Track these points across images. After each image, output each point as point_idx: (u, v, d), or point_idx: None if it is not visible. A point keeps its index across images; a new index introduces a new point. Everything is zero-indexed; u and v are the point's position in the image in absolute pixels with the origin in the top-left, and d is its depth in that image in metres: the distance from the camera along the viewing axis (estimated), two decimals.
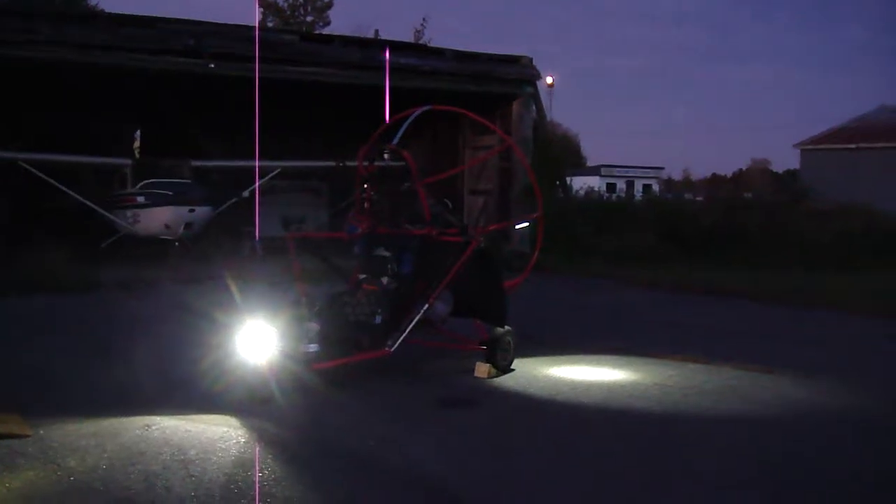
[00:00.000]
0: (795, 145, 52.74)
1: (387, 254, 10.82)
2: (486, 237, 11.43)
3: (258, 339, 9.25)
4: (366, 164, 11.66)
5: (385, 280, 10.67)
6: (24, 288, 17.14)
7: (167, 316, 14.21)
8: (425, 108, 12.12)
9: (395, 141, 11.81)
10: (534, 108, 27.40)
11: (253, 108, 14.46)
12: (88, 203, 22.67)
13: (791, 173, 64.29)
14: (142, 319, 14.17)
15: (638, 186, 66.84)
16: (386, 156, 11.78)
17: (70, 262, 19.17)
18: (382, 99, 21.19)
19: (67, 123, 25.10)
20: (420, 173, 11.76)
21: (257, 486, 6.81)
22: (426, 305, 10.39)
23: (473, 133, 27.23)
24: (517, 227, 15.92)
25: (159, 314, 14.60)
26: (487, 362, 10.80)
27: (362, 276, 10.87)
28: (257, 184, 19.17)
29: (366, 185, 11.43)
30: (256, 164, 18.47)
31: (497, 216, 25.24)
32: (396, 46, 26.30)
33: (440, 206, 11.62)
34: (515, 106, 26.54)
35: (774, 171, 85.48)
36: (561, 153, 36.71)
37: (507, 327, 11.11)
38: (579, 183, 42.61)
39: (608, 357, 12.08)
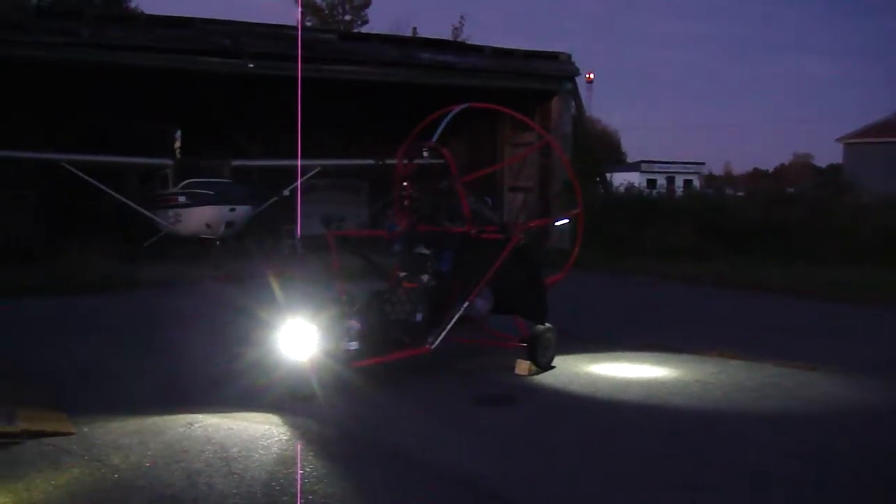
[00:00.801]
0: (838, 139, 52.20)
1: (427, 251, 10.82)
2: (526, 234, 11.37)
3: (299, 337, 9.30)
4: (405, 162, 11.67)
5: (425, 278, 10.66)
6: (68, 287, 17.33)
7: (209, 314, 14.30)
8: (464, 105, 12.12)
9: (435, 139, 11.81)
10: (573, 104, 27.31)
11: (292, 107, 14.49)
12: (130, 203, 22.88)
13: (834, 168, 63.57)
14: (184, 317, 14.25)
15: (679, 182, 66.36)
16: (425, 154, 11.77)
17: (112, 262, 19.36)
18: (421, 97, 21.30)
19: (109, 124, 25.35)
20: (459, 171, 11.75)
21: (299, 483, 6.84)
22: (466, 303, 10.38)
23: (513, 130, 27.20)
24: (557, 223, 15.84)
25: (201, 312, 14.68)
26: (528, 359, 10.78)
27: (402, 274, 10.88)
28: (299, 182, 19.20)
29: (405, 184, 11.43)
30: (299, 162, 18.49)
31: (537, 213, 25.15)
32: (434, 44, 26.35)
33: (480, 203, 11.60)
34: (554, 102, 26.48)
35: (817, 165, 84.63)
36: (600, 149, 36.56)
37: (547, 324, 11.09)
38: (619, 179, 42.39)
39: (648, 354, 12.01)
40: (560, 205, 23.68)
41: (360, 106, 27.14)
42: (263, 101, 24.45)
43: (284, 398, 9.17)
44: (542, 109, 26.39)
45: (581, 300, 16.53)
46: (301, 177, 22.52)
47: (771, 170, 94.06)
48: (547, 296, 11.39)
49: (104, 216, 23.54)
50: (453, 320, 10.23)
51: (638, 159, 74.73)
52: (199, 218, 22.14)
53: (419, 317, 10.33)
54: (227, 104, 26.32)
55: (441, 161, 11.63)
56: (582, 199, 13.21)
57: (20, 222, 22.45)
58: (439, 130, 11.85)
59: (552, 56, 27.05)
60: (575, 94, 27.40)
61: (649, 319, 15.63)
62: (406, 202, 11.46)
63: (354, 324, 9.84)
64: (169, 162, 23.87)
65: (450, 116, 11.97)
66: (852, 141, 50.96)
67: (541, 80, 26.49)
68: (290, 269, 13.62)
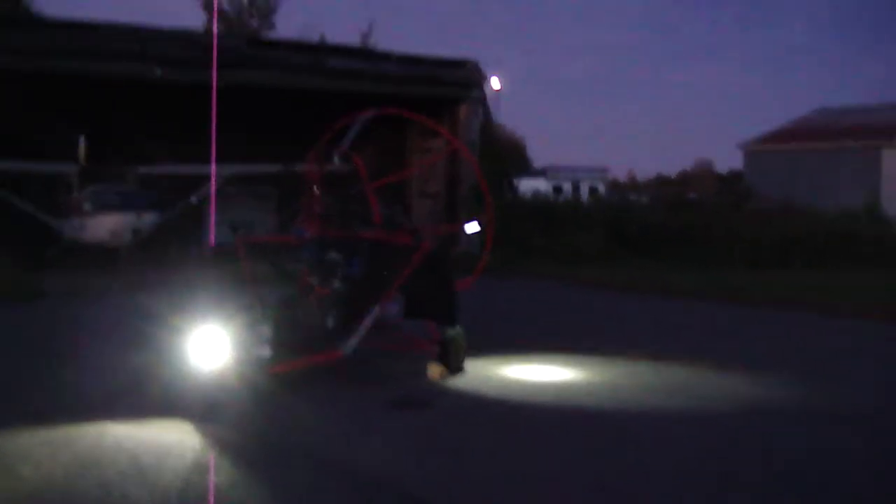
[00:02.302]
0: (739, 146, 53.37)
1: (337, 257, 10.86)
2: (436, 239, 11.49)
3: (210, 344, 9.28)
4: (315, 167, 11.69)
5: (336, 283, 10.71)
6: None
7: (117, 322, 14.09)
8: (375, 112, 12.19)
9: (346, 145, 11.87)
10: (480, 111, 27.56)
11: (199, 112, 14.38)
12: (32, 210, 22.38)
13: (736, 174, 65.03)
14: (91, 326, 14.03)
15: (584, 189, 67.10)
16: (336, 159, 11.82)
17: (14, 271, 18.94)
18: (329, 103, 21.26)
19: (10, 130, 24.75)
20: (368, 177, 11.82)
21: (212, 490, 6.84)
22: (378, 308, 10.44)
23: (420, 136, 27.33)
24: (467, 229, 15.98)
25: (109, 321, 14.47)
26: (440, 363, 10.89)
27: (314, 280, 10.90)
28: (214, 188, 19.07)
29: (315, 189, 11.47)
30: (213, 168, 18.38)
31: (445, 218, 25.35)
32: (343, 51, 26.37)
33: (394, 209, 11.69)
34: (462, 109, 26.68)
35: (718, 171, 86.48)
36: (507, 155, 36.87)
37: (458, 328, 11.20)
38: (526, 185, 42.81)
39: (558, 356, 12.20)
40: (467, 210, 23.88)
41: (269, 112, 26.98)
42: (172, 107, 24.15)
43: (196, 406, 9.12)
44: (451, 116, 26.57)
45: (490, 304, 16.71)
46: (207, 184, 22.39)
47: (674, 175, 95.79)
48: (458, 299, 11.50)
49: (10, 223, 22.95)
50: (366, 325, 10.27)
51: (543, 165, 75.37)
52: (104, 225, 21.77)
53: (331, 322, 10.37)
54: (134, 110, 25.90)
55: (350, 167, 11.68)
56: (491, 206, 13.38)
57: None
58: (350, 136, 11.90)
59: (460, 64, 27.26)
60: (482, 101, 27.65)
61: (558, 323, 15.87)
62: (316, 208, 11.49)
63: (266, 330, 9.84)
64: (73, 168, 23.41)
65: (360, 123, 12.04)
66: (752, 148, 52.18)
67: (448, 87, 26.69)
68: (199, 276, 13.52)
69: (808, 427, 9.02)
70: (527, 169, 71.69)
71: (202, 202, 23.03)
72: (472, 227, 13.65)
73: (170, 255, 21.63)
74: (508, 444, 8.35)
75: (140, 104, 25.73)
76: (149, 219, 21.99)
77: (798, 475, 7.47)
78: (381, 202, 11.49)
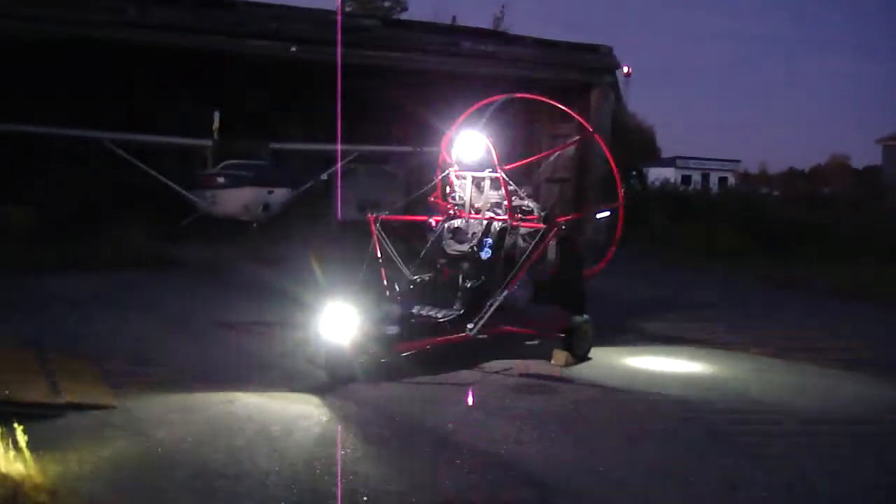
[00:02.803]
0: (877, 141, 51.59)
1: (468, 239, 10.87)
2: (566, 225, 11.35)
3: (340, 321, 9.36)
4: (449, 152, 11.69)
5: (465, 265, 10.70)
6: (107, 264, 17.47)
7: (249, 294, 14.37)
8: (509, 96, 12.12)
9: (480, 128, 11.81)
10: (612, 97, 27.17)
11: (333, 92, 14.54)
12: (169, 183, 22.98)
13: (872, 169, 62.86)
14: (225, 297, 14.35)
15: (713, 179, 65.84)
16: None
17: (151, 241, 19.50)
18: (461, 85, 21.25)
19: (150, 104, 25.47)
20: (501, 161, 11.76)
21: (339, 463, 6.92)
22: (506, 291, 10.40)
23: (551, 121, 27.05)
24: (598, 216, 15.78)
25: (242, 292, 14.76)
26: (565, 350, 10.80)
27: (443, 261, 10.92)
28: (339, 165, 19.27)
29: (449, 173, 11.48)
30: (339, 146, 18.58)
31: (573, 205, 25.11)
32: (477, 33, 26.28)
33: (522, 193, 11.60)
34: (594, 95, 26.32)
35: (854, 167, 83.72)
36: (636, 143, 36.43)
37: (585, 316, 11.10)
38: (654, 174, 42.23)
39: (686, 348, 12.02)
40: (596, 197, 23.61)
41: (400, 93, 27.13)
42: (306, 85, 24.48)
43: (325, 381, 9.25)
44: (582, 102, 26.23)
45: (619, 293, 16.50)
46: (340, 162, 22.67)
47: (807, 170, 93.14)
48: (586, 287, 11.39)
49: (148, 195, 23.63)
50: (492, 308, 10.24)
51: (673, 155, 74.24)
52: (236, 199, 22.21)
53: (459, 304, 10.38)
54: (269, 87, 26.37)
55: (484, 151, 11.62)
56: (622, 193, 13.20)
57: (61, 199, 22.64)
58: (484, 120, 11.85)
59: (593, 48, 26.90)
60: (615, 86, 27.25)
61: (688, 314, 15.53)
62: (449, 190, 11.50)
63: (395, 308, 9.91)
64: (208, 143, 23.95)
65: (494, 107, 11.99)
66: (891, 143, 50.36)
67: (581, 72, 26.35)
68: (330, 252, 13.70)
69: None
70: (656, 158, 70.72)
71: (332, 179, 23.27)
72: (602, 214, 13.50)
73: (299, 231, 21.94)
74: (630, 435, 8.24)
75: (274, 82, 26.16)
76: (280, 194, 22.36)
77: None
78: (514, 186, 11.38)
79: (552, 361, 10.76)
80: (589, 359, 11.04)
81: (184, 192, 23.19)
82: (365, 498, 6.26)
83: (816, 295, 18.58)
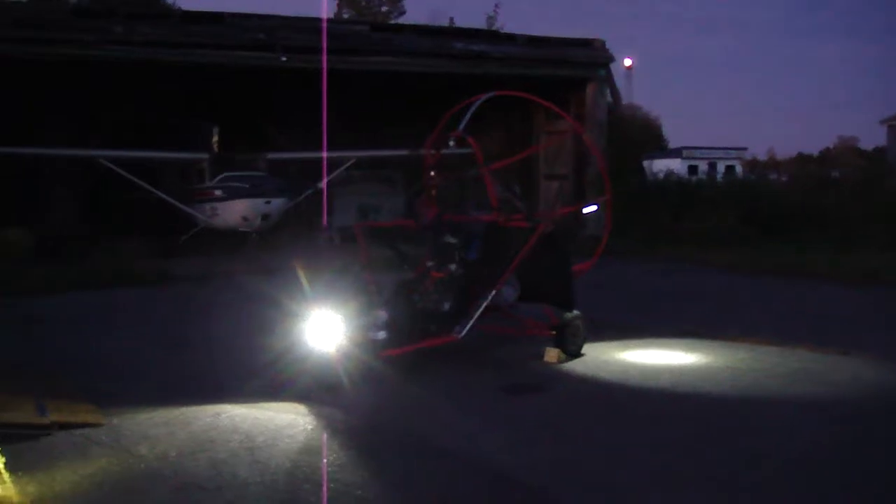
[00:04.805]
0: (882, 121, 51.25)
1: (454, 240, 10.82)
2: (555, 222, 11.32)
3: (326, 328, 9.35)
4: (432, 151, 11.68)
5: (453, 267, 10.67)
6: (104, 281, 17.51)
7: (240, 306, 14.36)
8: (490, 94, 12.07)
9: (462, 127, 11.79)
10: (608, 91, 27.13)
11: (327, 99, 14.52)
12: (167, 198, 23.07)
13: (880, 150, 62.45)
14: (215, 310, 14.34)
15: (721, 168, 65.59)
16: (451, 143, 11.76)
17: (150, 256, 19.55)
18: (455, 86, 21.24)
19: (146, 120, 25.58)
20: (488, 159, 11.74)
21: (323, 471, 6.89)
22: (493, 291, 10.35)
23: (546, 118, 27.04)
24: (585, 210, 15.73)
25: (233, 305, 14.76)
26: (557, 347, 10.75)
27: (430, 264, 10.89)
28: (324, 174, 19.32)
29: (432, 173, 11.45)
30: (324, 154, 18.62)
31: (573, 200, 25.09)
32: (467, 33, 26.33)
33: (508, 191, 11.59)
34: (589, 90, 26.31)
35: (862, 148, 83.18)
36: (641, 136, 36.25)
37: (576, 311, 11.04)
38: (661, 166, 42.02)
39: (680, 340, 11.93)
40: (595, 192, 23.57)
41: (394, 96, 27.17)
42: (299, 94, 24.55)
43: (311, 388, 9.22)
44: (577, 97, 26.23)
45: (615, 287, 16.46)
46: (335, 169, 22.72)
47: (816, 154, 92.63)
48: (575, 283, 11.34)
49: (147, 211, 23.73)
50: (481, 309, 10.20)
51: (680, 146, 73.99)
52: (235, 211, 22.29)
53: (447, 306, 10.35)
54: (262, 98, 26.44)
55: (469, 150, 11.61)
56: (612, 187, 13.14)
57: (58, 219, 22.74)
58: (466, 119, 11.81)
59: (586, 43, 26.90)
60: (609, 80, 27.20)
61: (683, 306, 15.49)
62: (433, 191, 11.48)
63: (382, 313, 9.89)
64: (205, 156, 24.01)
65: (476, 105, 11.94)
66: (895, 123, 50.00)
67: (574, 67, 26.35)
68: (320, 260, 13.66)
69: None
70: (662, 149, 70.48)
71: (331, 187, 23.33)
72: (589, 209, 13.43)
73: (299, 240, 21.98)
74: (624, 430, 8.19)
75: (267, 92, 26.23)
76: (278, 204, 22.39)
77: None
78: (499, 185, 11.37)
79: (545, 359, 10.70)
80: (582, 355, 10.97)
81: (182, 206, 23.27)
82: None
83: (818, 281, 18.42)
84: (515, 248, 10.70)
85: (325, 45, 18.26)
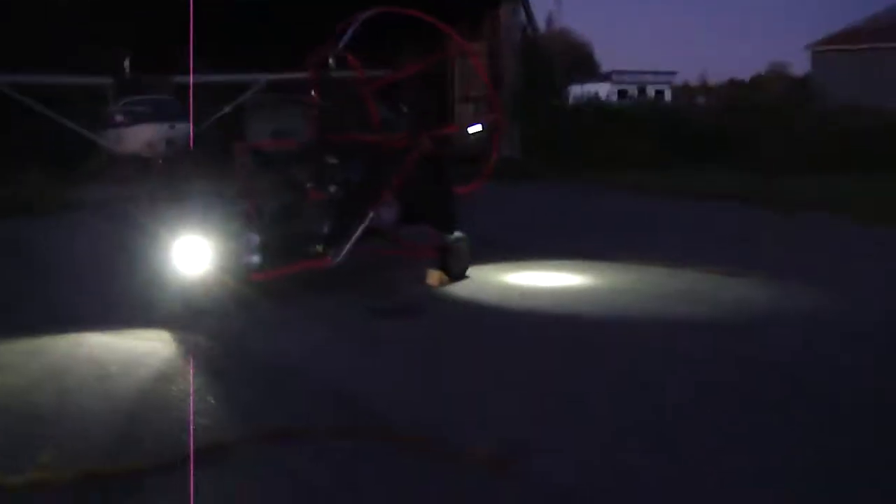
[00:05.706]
0: (807, 46, 51.40)
1: (335, 161, 10.56)
2: (437, 142, 11.08)
3: (195, 252, 9.12)
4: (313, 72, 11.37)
5: (332, 188, 10.41)
6: (3, 212, 17.00)
7: (118, 234, 13.95)
8: (372, 12, 11.68)
9: (342, 45, 11.45)
10: (522, 13, 26.80)
11: (235, 24, 14.02)
12: (69, 124, 22.38)
13: (809, 76, 62.79)
14: (94, 239, 13.98)
15: (651, 92, 65.66)
16: (331, 61, 11.45)
17: (45, 184, 19.01)
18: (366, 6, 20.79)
19: (54, 46, 24.74)
20: (409, 82, 11.39)
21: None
22: (371, 213, 10.14)
23: (462, 39, 26.67)
24: (470, 130, 15.42)
25: (111, 233, 14.34)
26: (440, 269, 10.61)
27: (309, 185, 10.62)
28: (191, 100, 18.84)
29: (313, 93, 11.16)
30: (191, 80, 18.18)
31: (488, 122, 24.84)
32: None
33: (393, 112, 11.32)
34: (502, 11, 25.95)
35: (794, 75, 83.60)
36: (561, 60, 35.98)
37: (459, 233, 10.87)
38: (591, 90, 41.78)
39: (569, 262, 11.81)
40: (510, 114, 23.30)
41: (309, 18, 26.54)
42: (209, 15, 23.90)
43: (177, 315, 9.01)
44: (491, 18, 25.87)
45: (518, 209, 16.34)
46: (245, 92, 22.23)
47: (747, 79, 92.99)
48: (457, 204, 11.14)
49: (53, 138, 23.01)
50: (359, 231, 10.00)
51: (610, 70, 73.78)
52: (138, 137, 21.60)
53: (326, 228, 10.11)
54: (170, 20, 25.70)
55: (347, 70, 11.32)
56: (527, 111, 12.91)
57: None
58: (346, 38, 11.47)
59: None
60: (524, 2, 26.83)
61: (583, 228, 15.37)
62: (314, 111, 11.19)
63: (254, 237, 9.63)
64: (108, 80, 23.28)
65: (358, 22, 11.59)
66: (820, 49, 50.21)
67: None
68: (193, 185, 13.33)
69: (818, 336, 8.41)
70: (593, 73, 70.32)
71: (237, 111, 22.83)
72: (474, 129, 13.18)
73: (205, 166, 21.50)
74: (493, 352, 8.09)
75: (175, 14, 25.51)
76: (183, 129, 21.79)
77: (805, 385, 6.98)
78: (382, 105, 11.10)
79: (427, 281, 10.57)
80: (466, 277, 10.85)
81: (87, 133, 22.63)
82: (185, 433, 6.01)
83: (731, 204, 18.21)
84: (396, 168, 10.47)
85: None
